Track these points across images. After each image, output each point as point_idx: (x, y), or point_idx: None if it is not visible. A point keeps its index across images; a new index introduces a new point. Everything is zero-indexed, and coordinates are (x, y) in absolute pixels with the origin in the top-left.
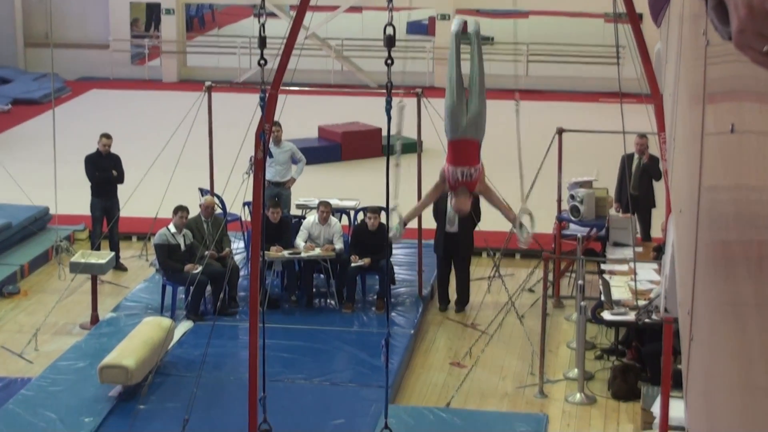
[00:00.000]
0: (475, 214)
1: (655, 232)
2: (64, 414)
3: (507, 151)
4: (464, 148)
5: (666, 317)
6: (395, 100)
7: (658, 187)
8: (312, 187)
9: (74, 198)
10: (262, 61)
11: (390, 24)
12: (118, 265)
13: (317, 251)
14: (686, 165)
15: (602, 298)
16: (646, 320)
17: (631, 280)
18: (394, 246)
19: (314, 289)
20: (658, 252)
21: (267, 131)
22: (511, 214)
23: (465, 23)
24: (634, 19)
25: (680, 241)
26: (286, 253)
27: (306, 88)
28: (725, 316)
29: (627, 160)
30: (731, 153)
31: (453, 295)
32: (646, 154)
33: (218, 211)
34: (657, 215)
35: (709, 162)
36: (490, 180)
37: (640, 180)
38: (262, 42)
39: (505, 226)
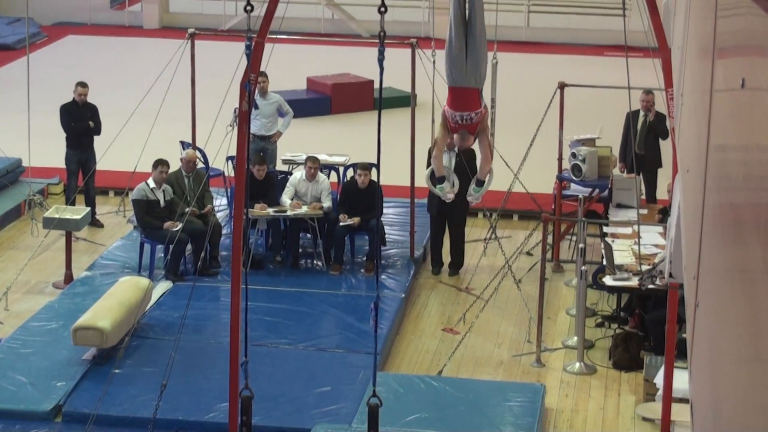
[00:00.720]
0: (470, 172)
1: (661, 194)
2: (35, 377)
3: (506, 105)
4: (464, 95)
5: (671, 283)
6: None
7: (665, 146)
8: (299, 142)
9: (48, 150)
10: (249, 8)
11: None
12: (93, 221)
13: (304, 209)
14: (694, 123)
15: (604, 262)
16: (650, 286)
17: (634, 244)
18: (385, 205)
19: (300, 250)
20: (664, 214)
21: (252, 82)
22: (487, 167)
23: None
24: None
25: (687, 203)
26: (271, 210)
27: (294, 37)
28: (733, 282)
29: (632, 117)
30: (741, 110)
31: (447, 257)
32: (653, 111)
33: (200, 165)
34: (663, 176)
35: (718, 120)
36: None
37: (646, 138)
38: None
39: (503, 185)
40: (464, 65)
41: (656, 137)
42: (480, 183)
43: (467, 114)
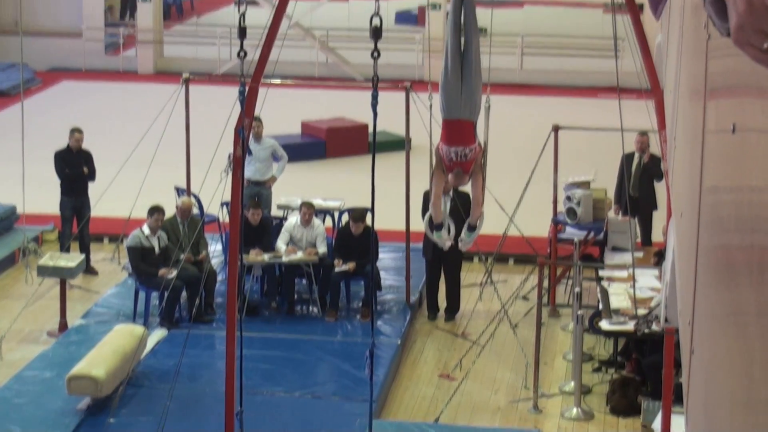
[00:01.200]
0: (466, 216)
1: (657, 236)
2: (29, 427)
3: (500, 147)
4: (459, 128)
5: (667, 327)
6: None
7: (660, 188)
8: (294, 187)
9: (43, 196)
10: (242, 53)
11: (377, 14)
12: (88, 269)
13: (299, 255)
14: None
15: (600, 306)
16: (646, 330)
17: (630, 288)
18: (380, 250)
19: (296, 296)
20: (659, 257)
21: (246, 127)
22: (478, 211)
23: None
24: (633, 9)
25: (681, 247)
26: (266, 256)
27: (289, 81)
28: (726, 325)
29: (627, 159)
30: (733, 152)
31: (443, 302)
32: (647, 153)
33: (195, 211)
34: (658, 218)
35: (711, 161)
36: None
37: (641, 180)
38: (242, 32)
39: (498, 229)
40: (459, 95)
41: (651, 179)
42: (471, 228)
43: (462, 149)
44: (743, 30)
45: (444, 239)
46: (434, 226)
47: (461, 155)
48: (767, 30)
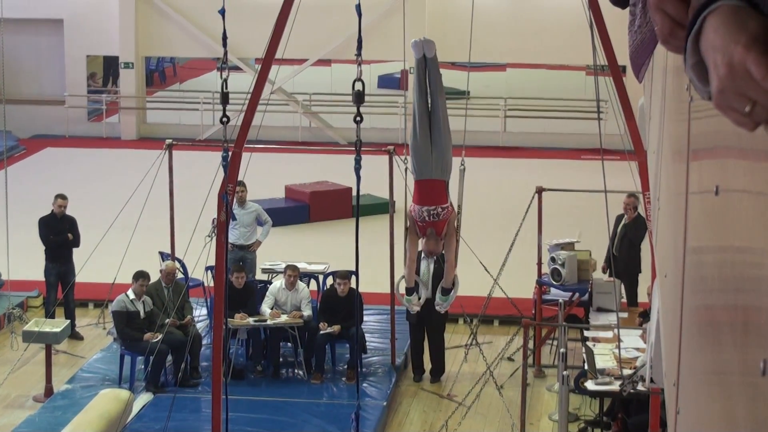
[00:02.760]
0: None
1: (642, 297)
2: None
3: (484, 209)
4: (430, 188)
5: (652, 388)
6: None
7: (645, 249)
8: (279, 250)
9: (27, 262)
10: (225, 119)
11: (359, 79)
12: (73, 334)
13: (284, 318)
14: (671, 226)
15: (585, 366)
16: (632, 390)
17: (615, 348)
18: (365, 313)
19: (281, 359)
20: (644, 317)
21: (230, 192)
22: (451, 274)
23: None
24: (615, 71)
25: (665, 307)
26: (251, 320)
27: (272, 146)
28: (711, 385)
29: (617, 220)
30: (716, 213)
31: (428, 364)
32: (629, 215)
33: (179, 276)
34: (644, 279)
35: (694, 222)
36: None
37: (622, 242)
38: (225, 98)
39: (483, 291)
40: (430, 155)
41: (631, 241)
42: (446, 291)
43: (434, 209)
44: (724, 94)
45: (413, 304)
46: (406, 290)
47: (433, 214)
48: (748, 94)
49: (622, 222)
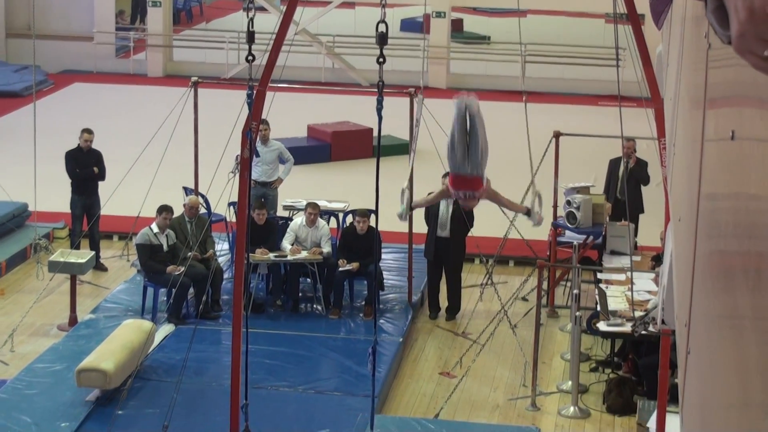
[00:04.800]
0: (467, 220)
1: (648, 240)
2: (39, 418)
3: (504, 153)
4: (466, 180)
5: (663, 329)
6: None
7: (647, 192)
8: (300, 188)
9: (54, 195)
10: (250, 57)
11: (383, 21)
12: (98, 265)
13: (304, 254)
14: (686, 172)
15: (598, 308)
16: (643, 332)
17: (628, 290)
18: (383, 251)
19: (300, 294)
20: (657, 261)
21: (254, 129)
22: (521, 208)
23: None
24: (635, 20)
25: (678, 251)
26: (271, 255)
27: (295, 86)
28: (722, 328)
29: (614, 164)
30: (731, 160)
31: (444, 302)
32: (633, 158)
33: (203, 211)
34: (645, 222)
35: (709, 169)
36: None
37: (627, 184)
38: (251, 37)
39: (499, 232)
40: (465, 165)
41: (637, 183)
42: (528, 213)
43: (470, 192)
44: (744, 38)
45: (401, 214)
46: (409, 203)
47: (469, 196)
48: (767, 38)
49: (627, 166)
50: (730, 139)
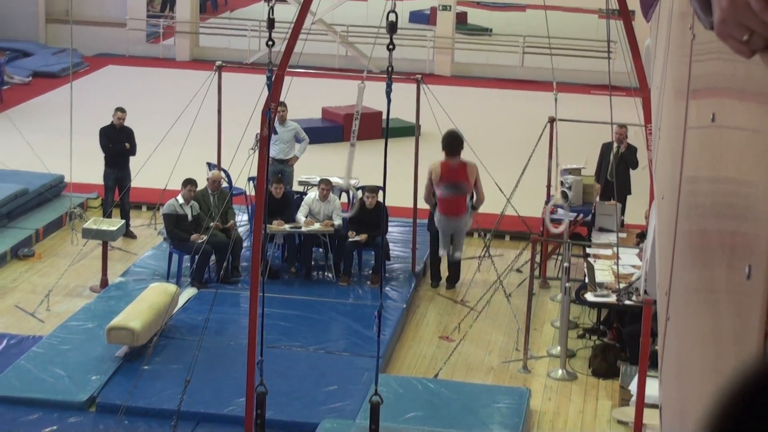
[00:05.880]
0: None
1: (631, 218)
2: (72, 371)
3: (501, 136)
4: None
5: (646, 299)
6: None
7: (635, 175)
8: (314, 166)
9: (88, 168)
10: (270, 43)
11: (392, 11)
12: (128, 233)
13: (317, 226)
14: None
15: (586, 280)
16: (627, 302)
17: (614, 264)
18: (389, 224)
19: (313, 262)
20: (641, 238)
21: (272, 110)
22: (480, 203)
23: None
24: (626, 15)
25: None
26: (287, 226)
27: (311, 71)
28: (699, 300)
29: (606, 148)
30: (711, 146)
31: (444, 272)
32: (624, 143)
33: (224, 184)
34: (632, 203)
35: (691, 154)
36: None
37: (617, 168)
38: (271, 23)
39: (497, 209)
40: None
41: (627, 167)
42: (474, 207)
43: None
44: (725, 23)
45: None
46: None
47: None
48: (747, 24)
49: (618, 150)
50: (711, 122)
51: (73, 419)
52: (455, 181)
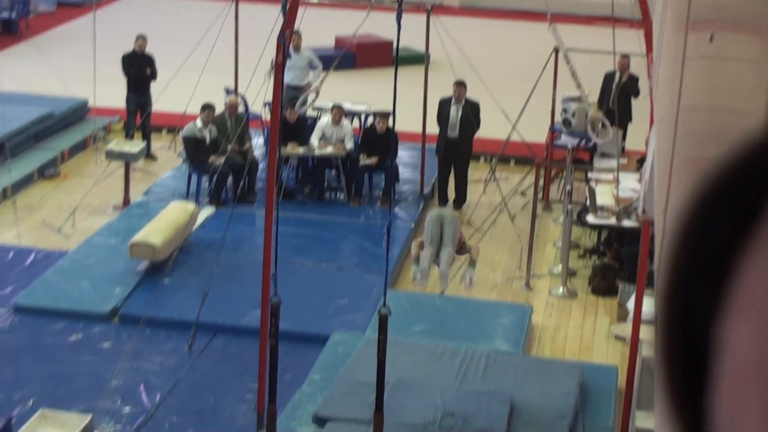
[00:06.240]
0: (475, 122)
1: (636, 145)
2: (96, 284)
3: (508, 66)
4: None
5: (644, 219)
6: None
7: (636, 104)
8: (327, 92)
9: (111, 92)
10: None
11: None
12: (149, 155)
13: (329, 149)
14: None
15: (587, 203)
16: (626, 221)
17: (614, 188)
18: (399, 148)
19: (325, 184)
20: (641, 163)
21: (287, 37)
22: (475, 254)
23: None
24: None
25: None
26: (301, 150)
27: (324, 1)
28: None
29: (608, 77)
30: (709, 77)
31: (452, 194)
32: (626, 73)
33: (241, 109)
34: (632, 130)
35: (689, 84)
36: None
37: (619, 97)
38: None
39: (503, 134)
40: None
41: (628, 96)
42: (473, 263)
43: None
44: None
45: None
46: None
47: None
48: None
49: (620, 80)
50: (709, 42)
51: (97, 329)
52: None
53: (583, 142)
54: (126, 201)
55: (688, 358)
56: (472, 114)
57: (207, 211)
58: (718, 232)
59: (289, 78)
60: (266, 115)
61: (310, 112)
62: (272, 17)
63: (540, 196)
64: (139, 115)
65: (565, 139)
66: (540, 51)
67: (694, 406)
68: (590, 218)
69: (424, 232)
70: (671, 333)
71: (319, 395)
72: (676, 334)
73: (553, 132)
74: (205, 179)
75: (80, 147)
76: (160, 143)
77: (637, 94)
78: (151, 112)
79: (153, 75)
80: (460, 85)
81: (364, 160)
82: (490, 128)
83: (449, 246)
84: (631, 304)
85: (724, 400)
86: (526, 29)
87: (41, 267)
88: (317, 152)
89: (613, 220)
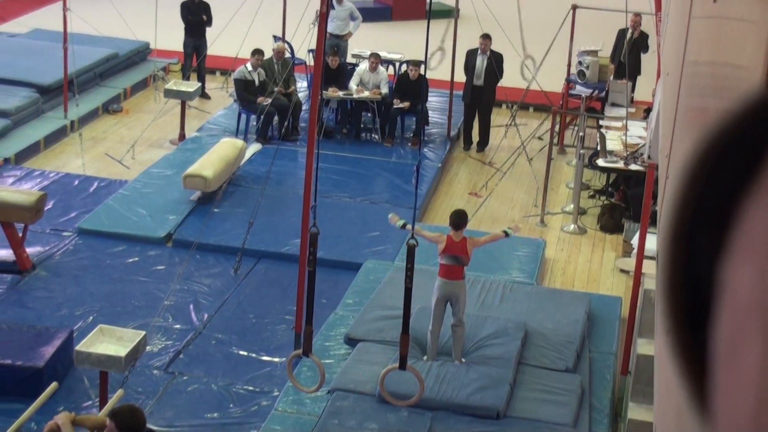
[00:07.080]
0: (498, 72)
1: (643, 96)
2: (153, 211)
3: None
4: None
5: (650, 163)
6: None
7: (645, 59)
8: (365, 41)
9: (171, 36)
10: None
11: None
12: (203, 94)
13: (366, 94)
14: (675, 40)
15: (598, 148)
16: (632, 166)
17: (623, 135)
18: (429, 94)
19: (362, 125)
20: (648, 113)
21: None
22: (499, 235)
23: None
24: None
25: (665, 98)
26: (340, 93)
27: None
28: None
29: (621, 33)
30: (712, 35)
31: (476, 137)
32: (638, 30)
33: (287, 55)
34: (641, 82)
35: (694, 40)
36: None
37: (630, 51)
38: None
39: (523, 83)
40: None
41: (638, 51)
42: (506, 234)
43: (459, 256)
44: None
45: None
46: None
47: (457, 259)
48: None
49: (632, 36)
50: (713, 2)
51: (153, 252)
52: (456, 255)
53: (596, 92)
54: (181, 136)
55: (689, 295)
56: (495, 64)
57: (254, 148)
58: (721, 180)
59: (331, 27)
60: (310, 61)
61: (350, 59)
62: None
63: (555, 140)
64: (195, 57)
65: (580, 89)
66: (559, 7)
67: (695, 339)
68: (600, 162)
69: (433, 311)
70: (673, 272)
71: (352, 318)
72: (678, 274)
73: (569, 82)
74: (253, 118)
75: (141, 85)
76: (213, 84)
77: (646, 49)
78: (206, 55)
79: (208, 21)
80: (486, 38)
81: (398, 104)
82: (512, 78)
83: (459, 324)
84: (635, 241)
85: (724, 336)
86: None
87: (103, 194)
88: (355, 96)
89: (621, 164)
